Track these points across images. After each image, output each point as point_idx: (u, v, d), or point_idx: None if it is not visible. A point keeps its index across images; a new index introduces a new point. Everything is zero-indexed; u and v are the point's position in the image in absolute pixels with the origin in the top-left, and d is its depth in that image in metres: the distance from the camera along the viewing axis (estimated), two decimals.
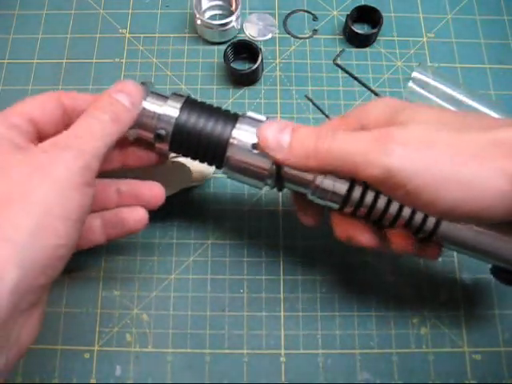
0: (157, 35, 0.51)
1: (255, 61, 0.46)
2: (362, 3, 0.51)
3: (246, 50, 0.48)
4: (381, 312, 0.40)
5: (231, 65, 0.47)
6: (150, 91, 0.32)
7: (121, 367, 0.39)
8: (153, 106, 0.31)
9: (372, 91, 0.48)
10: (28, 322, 0.25)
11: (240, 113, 0.32)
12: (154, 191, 0.34)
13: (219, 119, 0.31)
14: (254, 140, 0.30)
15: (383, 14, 0.48)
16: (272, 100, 0.48)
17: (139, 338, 0.40)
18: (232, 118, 0.31)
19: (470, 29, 0.51)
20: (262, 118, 0.32)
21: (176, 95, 0.32)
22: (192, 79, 0.48)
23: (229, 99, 0.47)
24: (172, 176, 0.37)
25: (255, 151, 0.30)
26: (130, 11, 0.52)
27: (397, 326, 0.40)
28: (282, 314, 0.40)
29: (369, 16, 0.50)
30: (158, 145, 0.32)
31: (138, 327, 0.40)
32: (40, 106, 0.29)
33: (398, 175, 0.24)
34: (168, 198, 0.35)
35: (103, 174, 0.35)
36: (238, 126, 0.31)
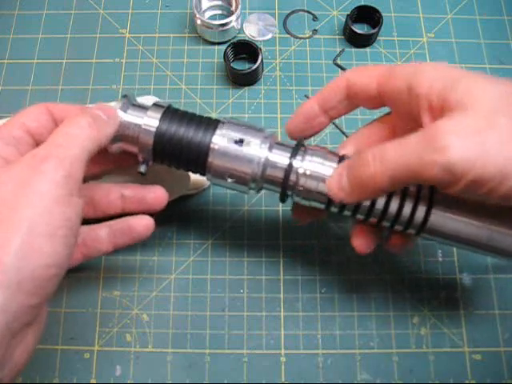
0: (157, 35, 0.51)
1: (255, 61, 0.46)
2: (362, 3, 0.51)
3: (245, 50, 0.48)
4: (381, 312, 0.40)
5: (231, 65, 0.47)
6: (132, 104, 0.32)
7: (121, 367, 0.39)
8: (133, 117, 0.31)
9: None
10: (23, 342, 0.25)
11: (221, 119, 0.32)
12: (157, 194, 0.34)
13: (200, 126, 0.31)
14: (234, 145, 0.30)
15: (383, 14, 0.48)
16: (272, 100, 0.48)
17: (139, 338, 0.40)
18: (213, 125, 0.31)
19: (470, 29, 0.51)
20: (243, 124, 0.32)
21: (156, 106, 0.32)
22: (192, 79, 0.48)
23: (229, 99, 0.47)
24: (171, 182, 0.37)
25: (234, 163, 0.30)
26: (130, 11, 0.52)
27: (397, 326, 0.40)
28: (281, 313, 0.40)
29: (369, 16, 0.50)
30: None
31: (138, 327, 0.40)
32: (35, 117, 0.29)
33: (458, 167, 0.23)
34: (167, 204, 0.35)
35: (102, 176, 0.35)
36: (218, 131, 0.31)
